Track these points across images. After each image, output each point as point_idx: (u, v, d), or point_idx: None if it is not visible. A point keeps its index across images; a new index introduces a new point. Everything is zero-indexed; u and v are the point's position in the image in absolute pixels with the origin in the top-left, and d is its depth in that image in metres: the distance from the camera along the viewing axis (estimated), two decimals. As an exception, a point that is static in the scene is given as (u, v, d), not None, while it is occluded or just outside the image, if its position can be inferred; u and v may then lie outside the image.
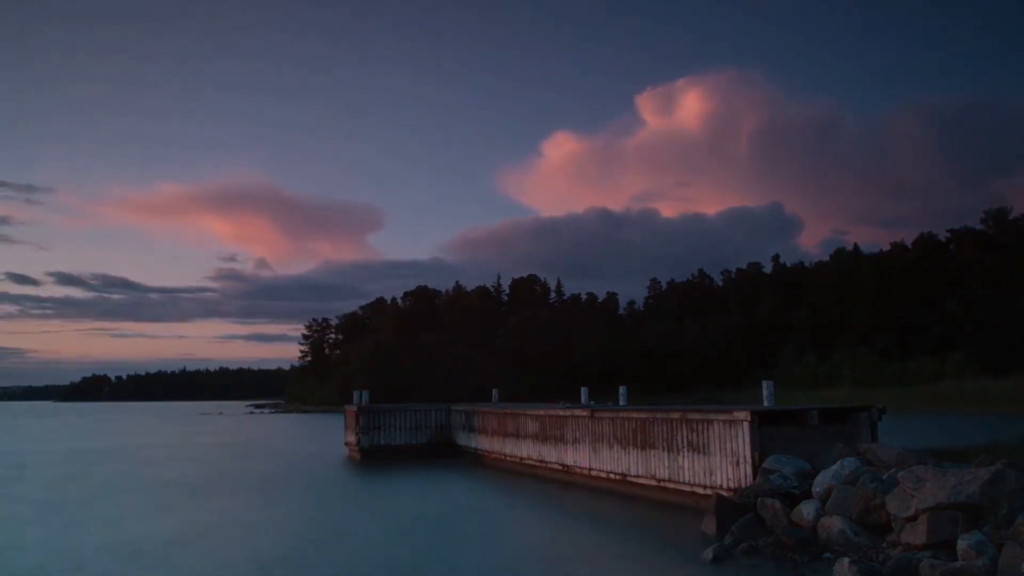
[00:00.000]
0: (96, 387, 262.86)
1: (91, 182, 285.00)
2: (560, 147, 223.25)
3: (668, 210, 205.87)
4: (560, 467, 19.77)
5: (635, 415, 16.62)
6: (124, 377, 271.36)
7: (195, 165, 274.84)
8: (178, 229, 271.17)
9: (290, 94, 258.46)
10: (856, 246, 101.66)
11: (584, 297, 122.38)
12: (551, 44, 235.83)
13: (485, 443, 25.08)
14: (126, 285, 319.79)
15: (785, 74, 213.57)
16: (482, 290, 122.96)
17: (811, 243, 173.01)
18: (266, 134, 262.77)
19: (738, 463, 13.29)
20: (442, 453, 26.88)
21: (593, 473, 18.05)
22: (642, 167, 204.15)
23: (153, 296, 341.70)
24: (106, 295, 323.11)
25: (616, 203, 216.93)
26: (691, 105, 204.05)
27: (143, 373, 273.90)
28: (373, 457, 26.48)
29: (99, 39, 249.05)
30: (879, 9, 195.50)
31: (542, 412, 21.18)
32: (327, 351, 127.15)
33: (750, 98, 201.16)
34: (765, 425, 13.22)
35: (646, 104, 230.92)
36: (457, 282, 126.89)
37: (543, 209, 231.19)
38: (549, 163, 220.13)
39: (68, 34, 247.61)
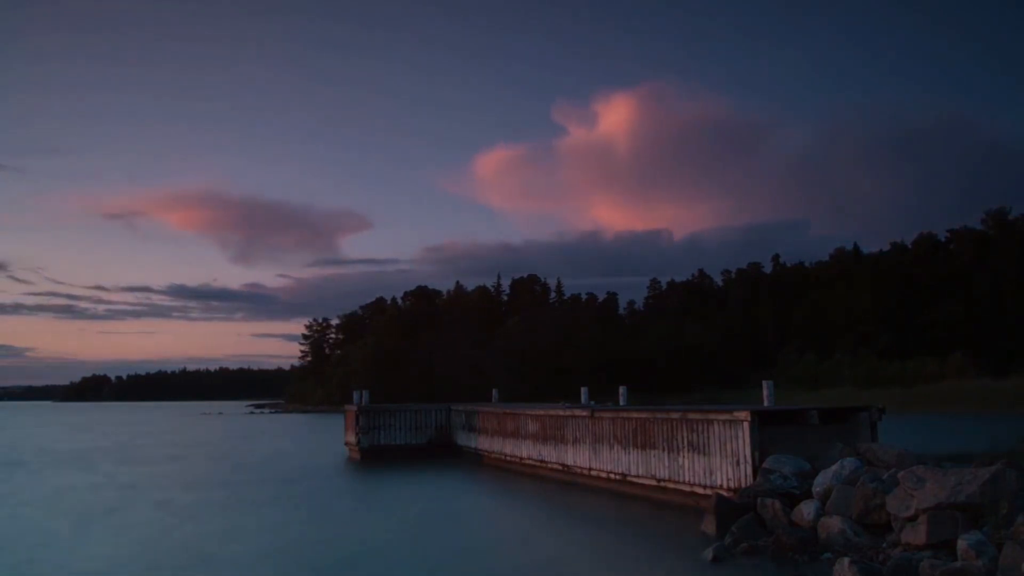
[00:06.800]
0: (96, 387, 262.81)
1: (88, 181, 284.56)
2: (499, 157, 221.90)
3: (657, 217, 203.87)
4: (560, 467, 19.77)
5: (635, 415, 16.62)
6: (124, 377, 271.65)
7: (177, 168, 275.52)
8: (175, 231, 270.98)
9: (265, 100, 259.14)
10: (856, 246, 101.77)
11: (584, 297, 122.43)
12: (519, 47, 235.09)
13: (485, 443, 25.08)
14: (126, 285, 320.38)
15: (739, 81, 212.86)
16: (482, 290, 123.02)
17: (811, 243, 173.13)
18: (247, 138, 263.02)
19: (738, 463, 13.29)
20: (442, 453, 26.87)
21: (593, 473, 18.05)
22: (624, 174, 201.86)
23: (153, 296, 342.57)
24: (106, 294, 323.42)
25: (586, 209, 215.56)
26: (669, 112, 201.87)
27: (143, 373, 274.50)
28: (373, 457, 26.48)
29: (81, 42, 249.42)
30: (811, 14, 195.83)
31: (542, 412, 21.17)
32: (327, 351, 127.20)
33: (690, 105, 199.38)
34: (765, 425, 13.22)
35: (618, 111, 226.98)
36: (457, 282, 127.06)
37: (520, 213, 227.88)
38: (515, 169, 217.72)
39: (51, 38, 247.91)
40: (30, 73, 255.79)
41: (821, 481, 11.50)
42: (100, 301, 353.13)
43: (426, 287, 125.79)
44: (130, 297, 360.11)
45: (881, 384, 70.98)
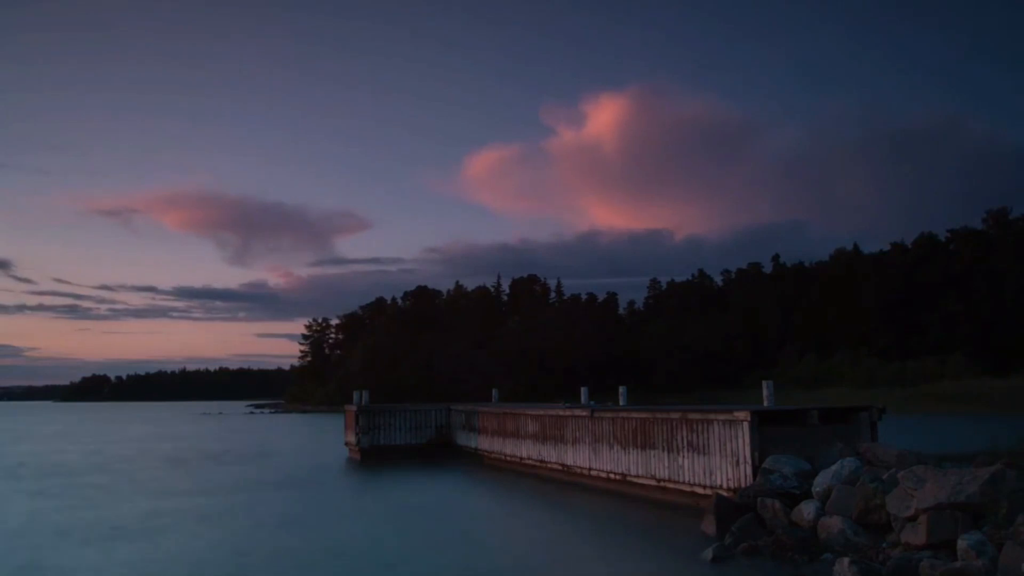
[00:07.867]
0: (96, 387, 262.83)
1: (86, 179, 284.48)
2: (495, 158, 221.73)
3: (656, 217, 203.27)
4: (560, 467, 19.77)
5: (635, 415, 16.61)
6: (124, 377, 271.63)
7: (176, 167, 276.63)
8: (174, 231, 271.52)
9: (259, 101, 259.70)
10: (856, 246, 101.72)
11: (584, 297, 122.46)
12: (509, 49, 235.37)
13: (485, 443, 25.08)
14: (130, 285, 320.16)
15: (738, 81, 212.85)
16: (482, 290, 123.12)
17: (811, 243, 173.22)
18: (245, 138, 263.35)
19: (738, 463, 13.28)
20: (442, 453, 26.87)
21: (593, 473, 18.05)
22: (622, 174, 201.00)
23: (157, 297, 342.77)
24: (110, 294, 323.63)
25: (585, 209, 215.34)
26: (661, 114, 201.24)
27: (143, 373, 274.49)
28: (373, 457, 26.48)
29: (80, 40, 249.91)
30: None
31: (542, 412, 21.17)
32: (327, 351, 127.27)
33: (689, 105, 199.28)
34: (765, 425, 13.21)
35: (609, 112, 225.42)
36: (457, 282, 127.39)
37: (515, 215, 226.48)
38: (509, 171, 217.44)
39: (49, 36, 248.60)
40: (29, 71, 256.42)
41: (821, 481, 11.49)
42: (104, 301, 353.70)
43: (426, 287, 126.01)
44: (134, 297, 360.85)
45: (881, 384, 71.03)
